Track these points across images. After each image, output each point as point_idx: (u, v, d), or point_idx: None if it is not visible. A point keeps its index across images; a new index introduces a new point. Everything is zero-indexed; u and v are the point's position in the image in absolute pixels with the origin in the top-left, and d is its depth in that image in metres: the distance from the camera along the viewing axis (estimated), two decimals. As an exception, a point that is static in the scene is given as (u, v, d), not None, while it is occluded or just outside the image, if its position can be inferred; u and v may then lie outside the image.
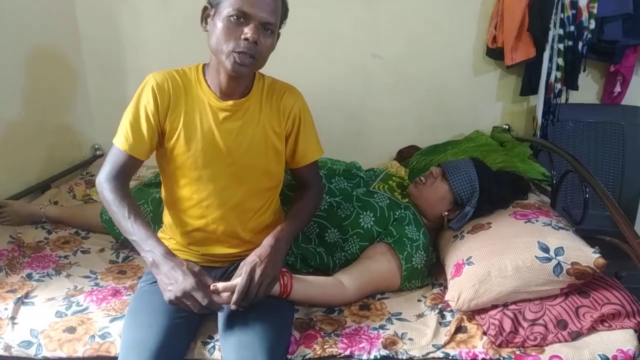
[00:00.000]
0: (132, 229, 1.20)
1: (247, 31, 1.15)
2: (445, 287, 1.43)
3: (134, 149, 1.26)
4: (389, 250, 1.48)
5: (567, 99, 2.16)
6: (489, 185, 1.54)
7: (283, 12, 1.24)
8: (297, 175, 1.45)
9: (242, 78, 1.26)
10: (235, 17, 1.15)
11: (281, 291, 1.26)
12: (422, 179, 1.62)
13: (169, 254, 1.18)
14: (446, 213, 1.57)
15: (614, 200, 1.41)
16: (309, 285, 1.35)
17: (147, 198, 1.73)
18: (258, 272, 1.18)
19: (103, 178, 1.27)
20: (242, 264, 1.22)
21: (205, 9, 1.23)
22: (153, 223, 1.63)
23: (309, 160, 1.40)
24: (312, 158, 1.40)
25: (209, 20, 1.22)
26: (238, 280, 1.16)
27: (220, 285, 1.16)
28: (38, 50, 2.08)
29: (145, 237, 1.19)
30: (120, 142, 1.26)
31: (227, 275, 1.35)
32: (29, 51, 2.03)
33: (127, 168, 1.28)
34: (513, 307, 1.27)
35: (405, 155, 2.29)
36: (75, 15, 2.30)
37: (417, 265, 1.47)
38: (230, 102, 1.28)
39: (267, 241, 1.26)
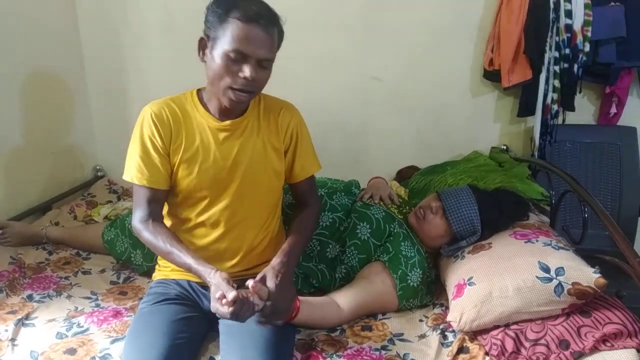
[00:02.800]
0: (178, 262, 1.23)
1: (245, 69, 1.17)
2: (447, 308, 1.43)
3: (152, 181, 1.28)
4: (384, 270, 1.49)
5: (564, 120, 2.19)
6: (492, 219, 1.52)
7: (279, 40, 1.25)
8: (295, 190, 1.47)
9: (241, 107, 1.31)
10: (232, 55, 1.17)
11: (292, 314, 1.25)
12: (422, 212, 1.58)
13: (206, 275, 1.17)
14: (445, 245, 1.57)
15: (613, 220, 1.42)
16: (312, 308, 1.34)
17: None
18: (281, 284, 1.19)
19: (136, 221, 1.30)
20: (263, 276, 1.20)
21: (201, 40, 1.23)
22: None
23: (307, 174, 1.43)
24: (310, 172, 1.43)
25: (206, 51, 1.23)
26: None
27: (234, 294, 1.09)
28: (41, 72, 2.12)
29: (188, 267, 1.21)
30: (137, 177, 1.28)
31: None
32: (33, 73, 2.06)
33: (154, 201, 1.30)
34: (515, 327, 1.27)
35: (404, 175, 2.31)
36: (79, 38, 2.34)
37: (413, 284, 1.46)
38: (228, 122, 1.31)
39: (278, 259, 1.25)
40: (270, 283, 1.18)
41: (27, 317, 1.41)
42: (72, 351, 1.27)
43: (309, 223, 1.43)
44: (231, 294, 1.07)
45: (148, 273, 1.61)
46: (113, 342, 1.30)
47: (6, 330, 1.34)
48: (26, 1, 2.01)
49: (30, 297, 1.53)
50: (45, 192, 2.16)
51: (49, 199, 2.16)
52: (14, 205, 1.98)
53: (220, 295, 1.08)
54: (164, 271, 1.41)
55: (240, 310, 1.08)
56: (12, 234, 1.83)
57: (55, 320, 1.40)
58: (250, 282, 1.13)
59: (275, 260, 1.25)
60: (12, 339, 1.32)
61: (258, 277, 1.18)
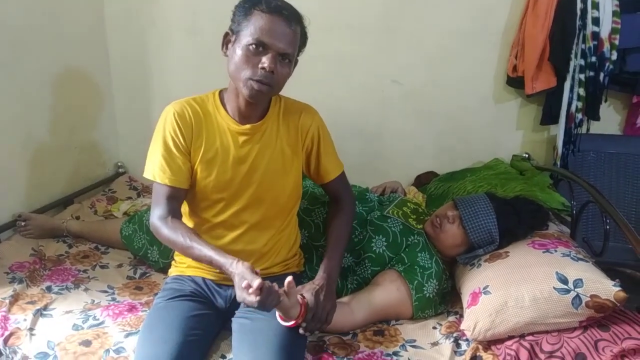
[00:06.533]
0: (198, 255, 1.22)
1: (265, 60, 1.19)
2: (461, 316, 1.41)
3: (174, 180, 1.29)
4: (399, 278, 1.46)
5: (588, 129, 2.14)
6: (510, 228, 1.48)
7: (302, 41, 1.27)
8: (327, 189, 1.50)
9: (260, 102, 1.30)
10: (254, 46, 1.19)
11: (297, 320, 1.22)
12: (438, 220, 1.55)
13: (228, 265, 1.16)
14: (462, 253, 1.54)
15: (636, 233, 1.38)
16: None
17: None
18: (321, 297, 1.24)
19: (154, 219, 1.29)
20: (300, 288, 1.26)
21: (226, 34, 1.27)
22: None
23: (333, 175, 1.44)
24: (335, 173, 1.45)
25: (229, 46, 1.26)
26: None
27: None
28: (68, 69, 2.16)
29: (209, 260, 1.21)
30: (159, 176, 1.29)
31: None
32: (59, 70, 2.11)
33: (174, 200, 1.30)
34: (530, 337, 1.24)
35: (423, 181, 2.29)
36: (105, 36, 2.39)
37: (429, 295, 1.44)
38: (248, 126, 1.32)
39: (320, 274, 1.31)
40: (308, 295, 1.23)
41: (45, 307, 1.44)
42: (87, 343, 1.30)
43: (345, 228, 1.45)
44: (256, 282, 1.06)
45: (164, 269, 1.63)
46: (127, 336, 1.32)
47: (25, 320, 1.38)
48: (55, 1, 2.05)
49: (49, 289, 1.56)
50: (67, 186, 2.21)
51: (71, 193, 2.20)
52: (37, 198, 2.03)
53: (246, 284, 1.07)
54: (179, 267, 1.43)
55: (267, 299, 1.08)
56: (34, 226, 1.87)
57: (72, 312, 1.43)
58: (289, 278, 1.16)
59: (317, 277, 1.31)
60: (31, 329, 1.35)
61: (299, 287, 1.26)
